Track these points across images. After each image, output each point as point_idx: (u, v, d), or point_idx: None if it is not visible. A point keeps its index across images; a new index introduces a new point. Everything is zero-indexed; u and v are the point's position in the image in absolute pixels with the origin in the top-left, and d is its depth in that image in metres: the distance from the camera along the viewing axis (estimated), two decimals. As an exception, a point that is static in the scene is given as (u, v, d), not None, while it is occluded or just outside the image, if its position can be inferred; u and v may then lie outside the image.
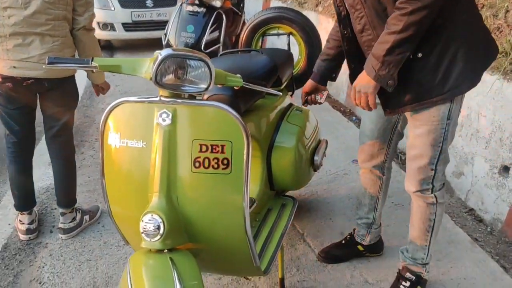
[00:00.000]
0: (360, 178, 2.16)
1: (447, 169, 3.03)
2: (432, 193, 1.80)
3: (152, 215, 1.36)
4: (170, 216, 1.39)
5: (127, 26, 6.70)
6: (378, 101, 1.87)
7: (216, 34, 3.96)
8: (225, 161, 1.40)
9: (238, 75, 1.54)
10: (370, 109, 1.67)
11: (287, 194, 2.40)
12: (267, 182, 2.13)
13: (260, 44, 2.67)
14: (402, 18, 1.46)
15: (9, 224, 2.64)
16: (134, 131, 1.45)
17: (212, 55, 3.66)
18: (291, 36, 2.58)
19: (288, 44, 2.50)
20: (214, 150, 1.39)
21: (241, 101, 1.81)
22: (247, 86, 1.52)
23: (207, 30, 3.90)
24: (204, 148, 1.39)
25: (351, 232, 2.27)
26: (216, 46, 3.94)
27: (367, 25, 1.62)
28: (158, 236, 1.36)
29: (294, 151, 2.08)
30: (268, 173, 2.12)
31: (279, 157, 2.09)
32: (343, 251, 2.23)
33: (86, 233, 2.55)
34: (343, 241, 2.27)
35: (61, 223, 2.50)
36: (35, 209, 2.58)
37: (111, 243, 2.46)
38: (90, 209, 2.67)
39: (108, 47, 7.24)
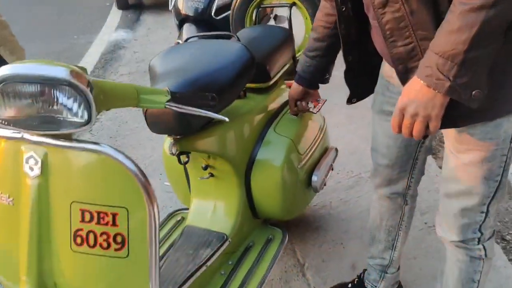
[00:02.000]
0: (373, 205, 1.60)
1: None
2: (479, 243, 1.24)
3: (14, 313, 0.91)
4: (42, 312, 0.93)
5: (153, -17, 6.19)
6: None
7: (230, -3, 3.36)
8: (119, 239, 0.90)
9: (165, 88, 1.03)
10: (426, 137, 1.09)
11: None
12: (247, 209, 1.62)
13: (254, 18, 2.07)
14: None
15: None
16: (0, 180, 0.97)
17: (225, 22, 3.09)
18: (294, 8, 1.96)
19: (289, 19, 1.90)
20: (101, 221, 0.89)
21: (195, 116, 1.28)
22: (170, 108, 1.00)
23: (219, -7, 3.31)
24: (87, 217, 0.90)
25: (361, 274, 1.74)
26: (230, 12, 3.35)
27: None
28: None
29: (281, 172, 1.55)
30: (249, 198, 1.61)
31: (261, 179, 1.57)
32: (349, 300, 1.71)
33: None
34: (350, 285, 1.74)
35: None
36: None
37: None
38: None
39: (138, 6, 6.77)
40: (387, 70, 1.29)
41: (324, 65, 1.47)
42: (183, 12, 3.41)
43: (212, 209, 1.60)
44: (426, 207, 2.19)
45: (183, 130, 1.33)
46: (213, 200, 1.61)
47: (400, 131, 1.06)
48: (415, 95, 1.00)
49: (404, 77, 1.11)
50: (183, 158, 1.41)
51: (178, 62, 1.39)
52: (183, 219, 1.77)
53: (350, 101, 1.41)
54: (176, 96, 1.04)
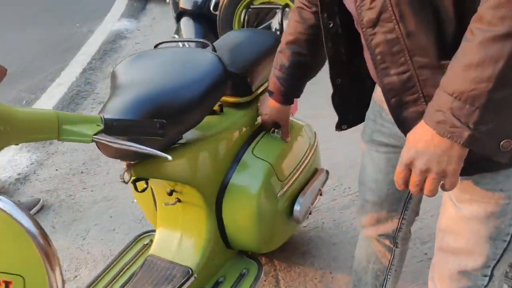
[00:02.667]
0: (359, 244, 1.40)
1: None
2: None
3: None
4: None
5: (160, -28, 5.96)
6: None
7: (230, -10, 3.14)
8: (14, 313, 0.71)
9: (99, 116, 0.84)
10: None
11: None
12: (219, 239, 1.43)
13: (243, 19, 1.86)
14: None
15: None
16: None
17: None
18: (287, 9, 1.75)
19: (281, 23, 1.69)
20: (-8, 290, 0.71)
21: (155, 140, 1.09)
22: (99, 141, 0.81)
23: (218, -14, 3.09)
24: (-25, 283, 0.71)
25: (347, 316, 1.55)
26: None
27: (387, 12, 0.81)
28: None
29: (256, 201, 1.35)
30: (221, 227, 1.42)
31: (233, 207, 1.38)
32: None
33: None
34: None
35: None
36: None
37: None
38: (27, 201, 2.27)
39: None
40: (380, 94, 1.08)
41: (303, 79, 1.28)
42: (181, 5, 3.21)
43: (179, 239, 1.42)
44: (428, 235, 1.98)
45: (139, 155, 1.14)
46: (180, 229, 1.42)
47: (406, 187, 0.84)
48: (425, 146, 0.78)
49: (397, 112, 0.90)
50: (141, 185, 1.22)
51: (138, 75, 1.20)
52: (151, 242, 1.59)
53: (339, 127, 1.21)
54: (112, 125, 0.85)
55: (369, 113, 1.17)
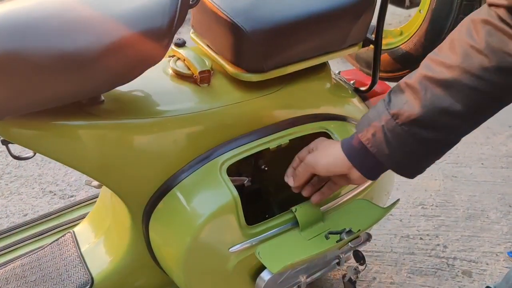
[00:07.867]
0: None
1: None
2: None
3: None
4: None
5: None
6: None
7: None
8: None
9: None
10: None
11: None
12: (147, 259, 0.98)
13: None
14: None
15: None
16: None
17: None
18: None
19: None
20: None
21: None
22: None
23: None
24: None
25: None
26: None
27: None
28: None
29: (191, 238, 0.83)
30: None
31: (161, 232, 0.90)
32: None
33: None
34: None
35: None
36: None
37: None
38: None
39: None
40: None
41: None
42: None
43: (102, 234, 1.02)
44: None
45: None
46: (108, 221, 1.02)
47: None
48: None
49: None
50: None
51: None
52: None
53: None
54: None
55: None
